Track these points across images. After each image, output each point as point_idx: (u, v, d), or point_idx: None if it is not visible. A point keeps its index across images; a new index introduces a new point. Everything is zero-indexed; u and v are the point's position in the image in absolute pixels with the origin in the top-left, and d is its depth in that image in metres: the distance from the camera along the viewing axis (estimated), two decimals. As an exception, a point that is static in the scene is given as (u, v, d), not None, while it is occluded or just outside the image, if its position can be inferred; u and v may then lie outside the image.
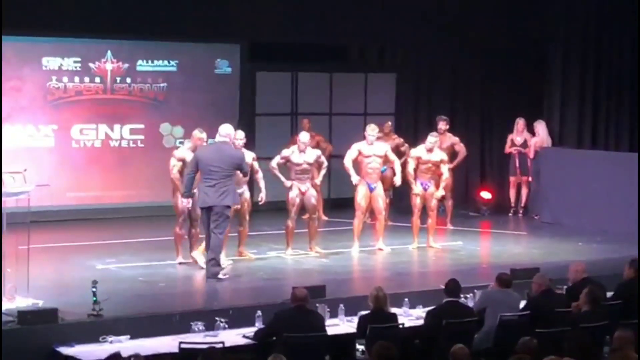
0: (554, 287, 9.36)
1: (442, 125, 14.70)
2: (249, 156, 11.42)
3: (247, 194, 11.69)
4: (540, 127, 16.00)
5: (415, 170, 12.87)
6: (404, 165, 12.97)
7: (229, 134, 10.97)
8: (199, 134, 11.36)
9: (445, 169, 13.09)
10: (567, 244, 13.44)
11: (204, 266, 11.00)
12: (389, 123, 15.24)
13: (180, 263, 11.42)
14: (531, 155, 15.86)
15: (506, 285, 9.09)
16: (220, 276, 10.67)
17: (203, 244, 11.09)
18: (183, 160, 11.23)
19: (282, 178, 12.06)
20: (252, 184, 11.80)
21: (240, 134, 11.46)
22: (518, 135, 16.06)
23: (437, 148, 13.08)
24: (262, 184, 11.59)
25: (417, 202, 12.89)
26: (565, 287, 9.67)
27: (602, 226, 14.01)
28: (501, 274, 9.23)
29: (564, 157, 15.55)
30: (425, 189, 12.89)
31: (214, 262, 10.69)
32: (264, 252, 12.25)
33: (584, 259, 11.24)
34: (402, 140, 14.98)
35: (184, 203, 11.11)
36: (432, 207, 12.98)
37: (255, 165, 11.55)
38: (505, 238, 14.19)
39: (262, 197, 11.60)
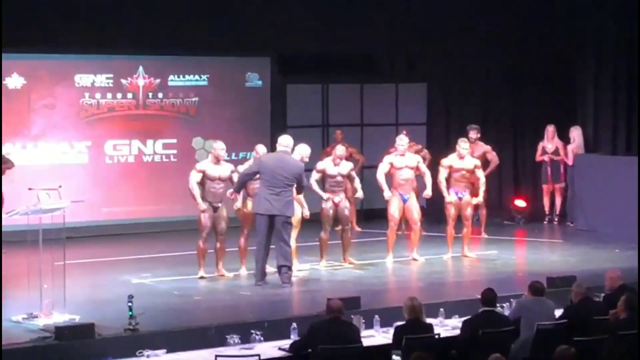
0: (592, 295, 9.29)
1: (473, 134, 14.65)
2: (228, 168, 11.43)
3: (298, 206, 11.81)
4: (576, 132, 15.89)
5: (448, 179, 12.82)
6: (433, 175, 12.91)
7: (289, 144, 11.22)
8: (215, 145, 11.41)
9: (480, 174, 13.00)
10: (603, 251, 13.34)
11: (230, 278, 11.19)
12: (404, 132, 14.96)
13: (201, 277, 11.39)
14: (570, 162, 15.73)
15: (539, 294, 9.01)
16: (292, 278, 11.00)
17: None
18: (203, 172, 11.28)
19: (321, 193, 12.11)
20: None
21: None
22: (549, 142, 15.98)
23: (468, 155, 13.02)
24: (239, 196, 11.49)
25: (451, 211, 12.83)
26: (602, 294, 9.59)
27: (637, 232, 13.87)
28: (533, 282, 9.15)
29: (598, 164, 15.44)
30: (460, 198, 12.83)
31: (287, 269, 10.97)
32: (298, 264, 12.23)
33: (621, 266, 11.14)
34: (420, 146, 14.94)
35: (231, 197, 11.23)
36: (467, 216, 12.91)
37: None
38: (541, 246, 14.11)
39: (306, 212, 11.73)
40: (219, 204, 11.34)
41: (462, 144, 12.93)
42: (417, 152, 14.48)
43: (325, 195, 12.08)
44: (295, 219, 11.59)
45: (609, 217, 14.76)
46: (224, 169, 11.38)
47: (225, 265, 11.60)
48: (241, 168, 11.60)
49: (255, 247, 11.15)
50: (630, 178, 14.59)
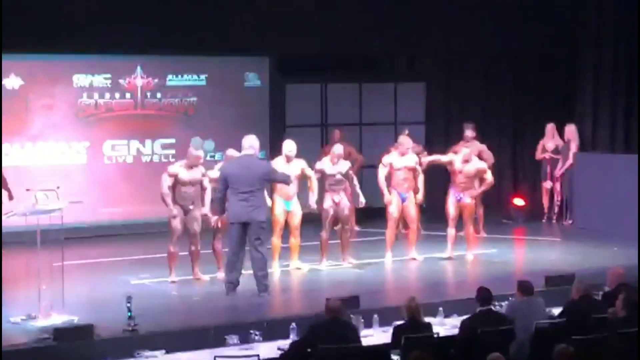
0: (591, 293, 9.28)
1: (469, 132, 14.65)
2: (199, 172, 11.29)
3: (297, 205, 11.79)
4: (573, 131, 15.81)
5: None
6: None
7: (252, 145, 10.81)
8: (194, 152, 11.28)
9: (489, 175, 12.79)
10: (602, 249, 13.33)
11: (207, 282, 11.11)
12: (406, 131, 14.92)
13: (172, 282, 11.27)
14: (572, 160, 15.60)
15: (529, 293, 8.99)
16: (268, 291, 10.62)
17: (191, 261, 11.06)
18: (175, 176, 11.19)
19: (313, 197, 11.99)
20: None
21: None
22: (549, 140, 15.96)
23: (474, 157, 12.90)
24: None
25: (451, 212, 12.77)
26: (601, 292, 9.59)
27: (637, 230, 13.85)
28: (522, 282, 9.12)
29: (597, 162, 15.44)
30: (458, 200, 12.74)
31: (263, 277, 10.59)
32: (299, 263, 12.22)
33: (620, 264, 11.11)
34: (421, 147, 14.93)
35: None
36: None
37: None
38: (540, 244, 14.10)
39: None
40: (191, 207, 11.24)
41: (465, 150, 12.85)
42: (418, 153, 14.45)
43: (312, 203, 11.94)
44: (298, 217, 11.67)
45: (608, 215, 14.76)
46: (195, 173, 11.26)
47: (201, 267, 11.46)
48: (211, 173, 11.46)
49: (228, 256, 10.80)
50: (629, 176, 14.59)
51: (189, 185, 11.22)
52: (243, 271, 10.77)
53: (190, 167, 11.23)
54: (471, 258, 12.73)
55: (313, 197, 11.90)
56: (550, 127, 15.92)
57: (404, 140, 12.74)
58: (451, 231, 12.76)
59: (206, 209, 11.32)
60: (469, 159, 12.71)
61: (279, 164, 11.56)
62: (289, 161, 11.78)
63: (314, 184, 11.95)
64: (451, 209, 12.74)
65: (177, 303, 10.48)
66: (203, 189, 11.33)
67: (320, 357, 7.90)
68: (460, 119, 16.28)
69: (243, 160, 10.82)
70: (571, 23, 16.54)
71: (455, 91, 16.96)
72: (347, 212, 12.33)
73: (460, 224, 12.79)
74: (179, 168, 11.29)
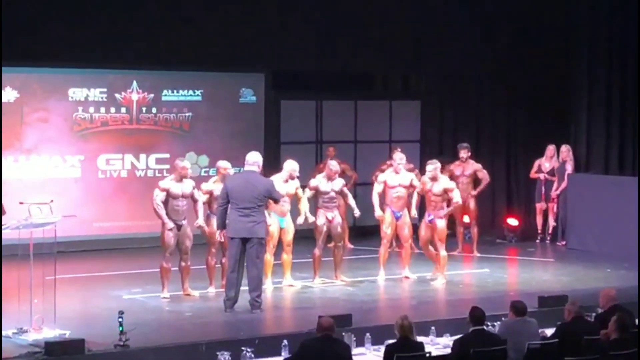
0: (584, 314, 9.27)
1: (464, 153, 14.68)
2: (190, 185, 11.30)
3: (290, 222, 11.84)
4: (569, 151, 15.82)
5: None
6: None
7: (257, 161, 10.90)
8: (180, 163, 11.30)
9: (456, 194, 12.44)
10: (595, 270, 13.33)
11: (199, 297, 11.13)
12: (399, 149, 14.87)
13: (164, 298, 11.23)
14: (565, 184, 15.61)
15: (521, 314, 8.96)
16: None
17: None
18: (167, 191, 11.19)
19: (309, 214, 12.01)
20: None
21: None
22: (547, 161, 15.97)
23: (442, 176, 12.67)
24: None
25: (422, 232, 12.56)
26: (594, 314, 9.58)
27: (630, 252, 13.87)
28: (515, 302, 9.09)
29: (591, 183, 15.45)
30: (429, 221, 12.49)
31: (256, 296, 10.61)
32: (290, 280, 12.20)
33: (613, 285, 11.13)
34: (412, 165, 14.92)
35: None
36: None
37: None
38: (533, 265, 14.10)
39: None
40: (183, 222, 11.25)
41: (429, 167, 12.49)
42: (410, 170, 14.45)
43: (310, 218, 11.99)
44: (291, 234, 11.77)
45: (601, 236, 14.77)
46: (186, 186, 11.28)
47: (190, 283, 11.45)
48: (205, 186, 11.51)
49: (227, 273, 10.87)
50: (623, 198, 14.61)
51: (180, 198, 11.23)
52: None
53: (180, 179, 11.23)
54: (440, 281, 12.35)
55: (301, 218, 11.93)
56: (551, 149, 15.91)
57: (398, 157, 12.70)
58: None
59: (200, 221, 11.33)
60: (436, 176, 12.47)
61: (276, 181, 11.55)
62: (288, 180, 11.82)
63: (304, 205, 11.97)
64: (422, 229, 12.56)
65: (169, 318, 10.46)
66: (194, 201, 11.34)
67: (312, 375, 7.87)
68: (455, 138, 16.33)
69: (246, 176, 10.87)
70: (566, 43, 16.59)
71: (450, 110, 16.99)
72: (340, 229, 12.33)
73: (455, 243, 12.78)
74: (169, 182, 11.31)
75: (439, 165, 12.65)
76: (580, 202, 15.26)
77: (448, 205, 12.56)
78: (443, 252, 12.45)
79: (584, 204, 15.18)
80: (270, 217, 11.58)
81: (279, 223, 11.86)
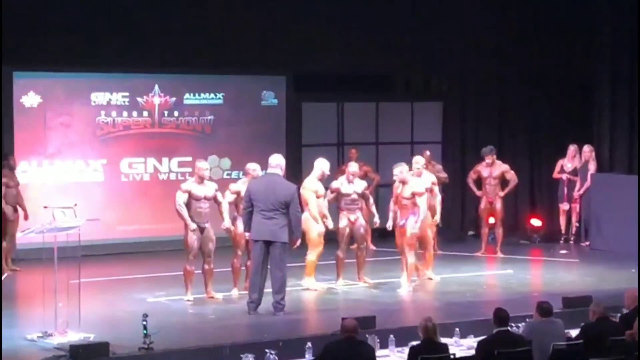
0: (609, 315, 9.22)
1: (489, 159, 14.55)
2: (212, 187, 11.32)
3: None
4: (592, 151, 15.74)
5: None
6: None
7: (279, 164, 10.88)
8: (198, 164, 11.35)
9: (421, 201, 11.86)
10: (619, 271, 13.25)
11: (222, 300, 11.17)
12: (427, 153, 14.81)
13: (188, 300, 11.25)
14: (588, 183, 15.55)
15: (548, 314, 8.93)
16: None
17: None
18: (189, 192, 11.20)
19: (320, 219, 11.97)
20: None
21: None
22: (569, 161, 15.90)
23: (412, 178, 12.16)
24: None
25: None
26: (619, 315, 9.52)
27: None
28: (541, 303, 9.05)
29: (614, 183, 15.37)
30: (401, 225, 12.02)
31: (280, 298, 10.63)
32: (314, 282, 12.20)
33: (637, 286, 11.05)
34: (440, 166, 14.91)
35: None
36: (403, 245, 12.12)
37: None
38: (557, 266, 14.03)
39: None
40: (206, 225, 11.26)
41: (395, 170, 12.01)
42: (438, 172, 14.40)
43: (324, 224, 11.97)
44: (316, 237, 11.75)
45: (626, 236, 14.66)
46: (209, 189, 11.30)
47: (214, 286, 11.47)
48: (233, 186, 11.57)
49: (250, 275, 10.91)
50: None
51: (203, 200, 11.24)
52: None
53: (200, 181, 11.26)
54: (405, 289, 11.90)
55: (328, 220, 11.94)
56: (573, 149, 15.83)
57: (414, 160, 12.65)
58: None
59: (227, 223, 11.35)
60: (405, 180, 11.98)
61: (311, 181, 11.86)
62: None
63: (324, 206, 11.99)
64: (396, 235, 12.18)
65: (193, 321, 10.48)
66: (218, 204, 11.36)
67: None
68: (477, 139, 16.29)
69: (269, 179, 10.86)
70: (588, 42, 16.52)
71: (472, 111, 16.94)
72: (362, 231, 12.31)
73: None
74: (191, 184, 11.34)
75: (405, 167, 12.09)
76: (604, 202, 15.18)
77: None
78: (411, 259, 11.99)
79: (607, 204, 15.10)
80: (319, 223, 11.74)
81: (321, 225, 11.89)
